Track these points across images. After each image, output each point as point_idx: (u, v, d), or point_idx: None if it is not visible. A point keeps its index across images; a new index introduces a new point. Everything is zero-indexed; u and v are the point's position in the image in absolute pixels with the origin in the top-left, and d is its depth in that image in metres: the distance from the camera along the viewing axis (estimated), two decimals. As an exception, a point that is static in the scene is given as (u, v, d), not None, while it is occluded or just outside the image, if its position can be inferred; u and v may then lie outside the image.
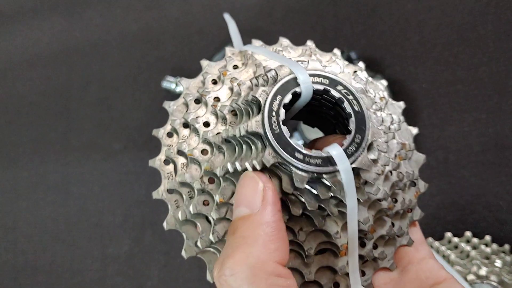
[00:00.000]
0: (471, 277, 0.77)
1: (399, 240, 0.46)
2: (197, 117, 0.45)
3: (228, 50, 0.50)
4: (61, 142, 1.14)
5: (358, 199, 0.41)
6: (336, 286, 0.45)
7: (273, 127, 0.40)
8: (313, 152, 0.39)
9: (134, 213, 1.07)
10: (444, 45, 0.98)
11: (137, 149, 1.09)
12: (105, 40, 1.17)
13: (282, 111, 0.41)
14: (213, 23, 1.12)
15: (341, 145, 0.40)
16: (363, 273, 0.46)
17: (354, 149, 0.40)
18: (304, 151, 0.39)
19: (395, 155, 0.45)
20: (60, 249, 1.09)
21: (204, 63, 0.49)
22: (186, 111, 0.46)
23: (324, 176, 0.40)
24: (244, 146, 0.42)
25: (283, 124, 0.40)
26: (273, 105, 0.41)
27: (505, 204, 0.89)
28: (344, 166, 0.39)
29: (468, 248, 0.84)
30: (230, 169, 0.41)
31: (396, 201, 0.45)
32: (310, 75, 0.42)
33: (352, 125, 0.41)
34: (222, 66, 0.48)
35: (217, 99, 0.45)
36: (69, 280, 1.07)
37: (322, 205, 0.41)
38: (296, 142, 0.40)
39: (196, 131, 0.44)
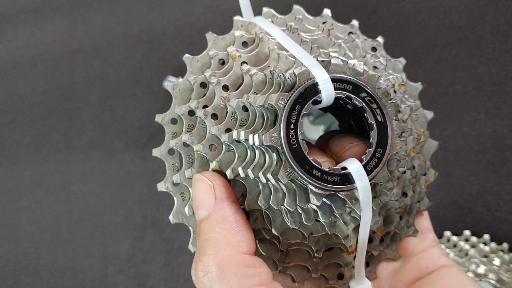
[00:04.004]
0: (469, 275, 0.78)
1: (405, 231, 0.45)
2: (204, 106, 0.41)
3: (237, 21, 0.45)
4: (63, 141, 1.14)
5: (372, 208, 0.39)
6: (340, 277, 0.45)
7: (291, 141, 0.37)
8: (331, 169, 0.37)
9: (135, 213, 1.07)
10: (443, 46, 0.99)
11: (138, 148, 1.09)
12: (107, 40, 1.17)
13: (301, 123, 0.37)
14: (214, 24, 1.12)
15: (361, 155, 0.38)
16: (367, 264, 0.45)
17: (375, 164, 0.38)
18: (322, 168, 0.37)
19: (410, 150, 0.43)
20: (62, 248, 1.10)
21: (210, 37, 0.44)
22: (191, 97, 0.43)
23: (340, 194, 0.38)
24: (257, 152, 0.39)
25: (301, 138, 0.37)
26: (292, 116, 0.37)
27: (504, 203, 0.90)
28: (362, 184, 0.37)
29: (467, 246, 0.85)
30: (242, 174, 0.39)
31: (406, 195, 0.44)
32: (333, 80, 0.38)
33: (373, 138, 0.38)
34: (230, 43, 0.44)
35: (226, 88, 0.42)
36: (70, 279, 1.08)
37: (336, 215, 0.40)
38: (314, 158, 0.37)
39: (203, 122, 0.41)
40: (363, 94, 0.39)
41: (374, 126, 0.39)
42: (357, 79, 0.39)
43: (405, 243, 0.45)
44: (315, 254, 0.42)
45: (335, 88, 0.38)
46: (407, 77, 0.49)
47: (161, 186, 0.44)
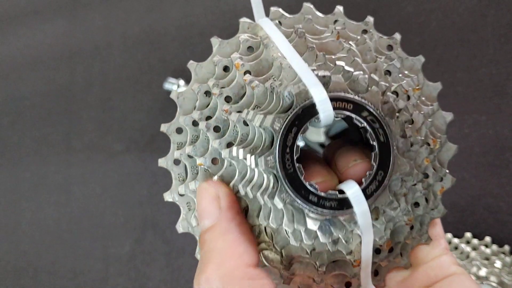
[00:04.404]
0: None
1: (417, 240, 0.44)
2: (208, 117, 0.41)
3: (243, 23, 0.43)
4: (63, 143, 1.14)
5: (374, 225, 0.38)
6: (348, 285, 0.44)
7: (286, 165, 0.36)
8: (329, 194, 0.36)
9: (136, 214, 1.07)
10: (444, 47, 0.98)
11: (138, 150, 1.09)
12: (107, 42, 1.17)
13: (298, 147, 0.36)
14: (214, 24, 1.12)
15: (365, 174, 0.37)
16: (376, 273, 0.44)
17: (375, 187, 0.37)
18: (319, 193, 0.36)
19: (422, 160, 0.41)
20: (62, 250, 1.10)
21: (215, 42, 0.42)
22: (195, 106, 0.41)
23: (339, 217, 0.37)
24: (256, 171, 0.38)
25: (297, 162, 0.36)
26: (288, 139, 0.36)
27: (505, 205, 0.89)
28: (361, 209, 0.36)
29: (468, 249, 0.85)
30: (242, 192, 0.39)
31: (418, 205, 0.42)
32: (332, 99, 0.36)
33: (374, 160, 0.37)
34: (236, 47, 0.42)
35: (228, 99, 0.40)
36: (71, 280, 1.08)
37: (336, 235, 0.39)
38: (311, 182, 0.36)
39: (206, 134, 0.41)
40: (365, 113, 0.37)
41: (376, 147, 0.37)
42: (359, 97, 0.37)
43: (416, 250, 0.44)
44: (319, 269, 0.41)
45: (335, 108, 0.36)
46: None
47: (168, 197, 0.43)
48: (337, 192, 0.36)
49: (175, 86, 1.02)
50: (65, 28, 1.21)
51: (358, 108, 0.37)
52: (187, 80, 1.03)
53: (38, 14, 1.24)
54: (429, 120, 0.42)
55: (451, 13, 1.00)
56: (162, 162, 0.43)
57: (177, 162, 0.43)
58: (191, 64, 0.42)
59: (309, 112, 0.36)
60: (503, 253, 0.85)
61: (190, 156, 0.42)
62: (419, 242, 0.43)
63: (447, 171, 0.44)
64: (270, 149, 0.36)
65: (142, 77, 1.13)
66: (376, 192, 0.37)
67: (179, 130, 0.42)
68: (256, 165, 0.36)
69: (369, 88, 0.38)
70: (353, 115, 0.37)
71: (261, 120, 0.37)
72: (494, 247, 0.85)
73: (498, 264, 0.81)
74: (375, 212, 0.38)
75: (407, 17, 1.02)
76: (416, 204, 0.42)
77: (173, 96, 0.42)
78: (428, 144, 0.42)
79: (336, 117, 0.37)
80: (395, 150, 0.37)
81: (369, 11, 1.02)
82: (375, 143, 0.37)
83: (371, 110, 0.37)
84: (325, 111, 0.36)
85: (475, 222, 0.90)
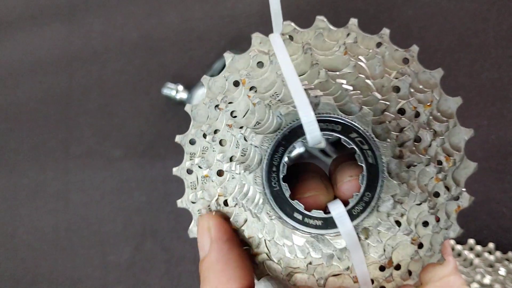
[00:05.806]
0: (475, 285, 0.77)
1: (427, 260, 0.42)
2: (215, 130, 0.42)
3: (255, 37, 0.43)
4: (61, 149, 1.13)
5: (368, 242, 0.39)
6: None
7: (272, 184, 0.38)
8: (314, 213, 0.38)
9: (135, 221, 1.07)
10: (445, 52, 0.98)
11: (137, 156, 1.08)
12: (105, 47, 1.17)
13: (284, 166, 0.38)
14: (213, 30, 1.12)
15: (359, 190, 0.38)
16: None
17: (361, 208, 0.38)
18: (303, 211, 0.38)
19: (430, 179, 0.40)
20: (61, 257, 1.09)
21: (228, 57, 0.43)
22: (206, 119, 0.43)
23: (326, 236, 0.38)
24: (251, 186, 0.40)
25: (284, 180, 0.38)
26: (274, 159, 0.38)
27: (508, 211, 0.89)
28: (345, 230, 0.37)
29: (471, 255, 0.84)
30: (239, 204, 0.41)
31: (427, 224, 0.41)
32: (320, 120, 0.37)
33: (362, 181, 0.38)
34: (247, 62, 0.42)
35: (235, 113, 0.42)
36: (69, 288, 1.07)
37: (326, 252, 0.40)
38: (297, 201, 0.38)
39: (213, 147, 0.43)
40: (354, 135, 0.38)
41: (364, 168, 0.38)
42: (348, 118, 0.38)
43: (425, 268, 0.43)
44: (317, 282, 0.42)
45: (323, 129, 0.37)
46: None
47: (181, 203, 0.45)
48: (322, 212, 0.38)
49: (173, 91, 1.01)
50: (63, 33, 1.20)
51: (346, 129, 0.38)
52: (186, 85, 1.03)
53: (36, 19, 1.23)
54: (441, 137, 0.41)
55: (452, 17, 0.99)
56: (175, 171, 0.45)
57: (189, 171, 0.44)
58: (204, 79, 0.43)
59: (296, 133, 0.38)
60: (507, 259, 0.84)
61: (200, 167, 0.43)
62: (430, 262, 0.42)
63: (464, 189, 0.43)
64: (259, 167, 0.39)
65: (140, 83, 1.13)
66: (362, 213, 0.38)
67: (192, 141, 0.44)
68: (247, 181, 0.39)
69: (362, 109, 0.38)
70: (341, 136, 0.38)
71: (251, 139, 0.39)
72: (498, 253, 0.85)
73: (502, 271, 0.80)
74: (364, 232, 0.39)
75: (408, 21, 1.01)
76: (425, 223, 0.41)
77: (187, 109, 0.43)
78: (440, 163, 0.41)
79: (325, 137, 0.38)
80: (385, 172, 0.38)
81: (369, 15, 1.01)
82: (363, 164, 0.38)
83: (360, 131, 0.38)
84: (312, 132, 0.36)
85: (478, 228, 0.90)
